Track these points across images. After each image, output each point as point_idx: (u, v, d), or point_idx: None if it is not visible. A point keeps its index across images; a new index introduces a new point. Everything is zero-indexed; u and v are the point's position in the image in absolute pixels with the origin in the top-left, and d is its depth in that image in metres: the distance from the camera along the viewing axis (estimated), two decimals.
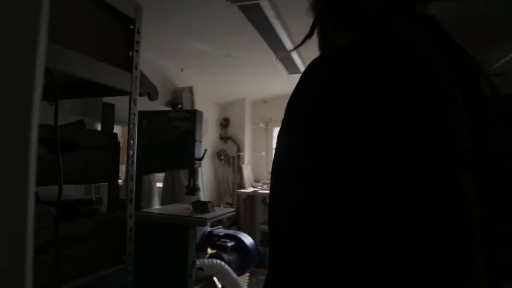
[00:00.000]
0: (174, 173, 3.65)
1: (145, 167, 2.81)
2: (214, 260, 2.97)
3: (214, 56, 4.02)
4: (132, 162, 1.46)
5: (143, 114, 2.81)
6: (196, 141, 2.64)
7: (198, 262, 2.76)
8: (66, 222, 1.08)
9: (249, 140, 6.12)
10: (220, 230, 3.69)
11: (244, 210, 5.53)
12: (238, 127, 5.96)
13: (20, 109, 0.65)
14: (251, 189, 5.57)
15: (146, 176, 3.51)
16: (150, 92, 2.96)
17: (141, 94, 2.85)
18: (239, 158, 5.82)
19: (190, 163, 2.61)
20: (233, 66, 4.39)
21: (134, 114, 1.47)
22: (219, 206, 5.32)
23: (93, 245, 1.19)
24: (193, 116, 2.64)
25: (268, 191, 5.21)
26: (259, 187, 5.73)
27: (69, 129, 1.38)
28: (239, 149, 5.83)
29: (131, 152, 1.46)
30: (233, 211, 2.96)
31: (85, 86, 1.29)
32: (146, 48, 3.86)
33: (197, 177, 2.69)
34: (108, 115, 1.58)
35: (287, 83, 5.35)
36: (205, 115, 4.86)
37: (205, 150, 2.73)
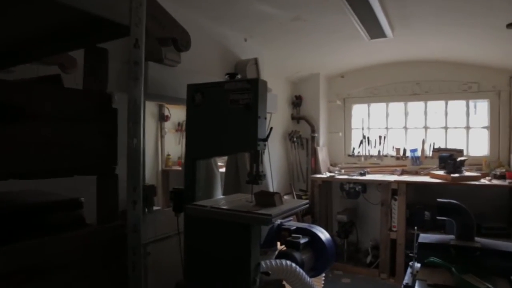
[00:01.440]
0: (237, 157, 3.19)
1: (199, 150, 2.37)
2: (284, 261, 2.45)
3: (281, 21, 3.45)
4: (136, 145, 0.96)
5: (195, 88, 2.35)
6: (259, 117, 2.12)
7: (263, 265, 2.27)
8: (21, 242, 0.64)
9: (324, 120, 5.49)
10: (292, 223, 3.17)
11: (319, 198, 4.96)
12: (312, 105, 5.36)
13: None
14: (327, 174, 4.98)
15: (206, 161, 3.10)
16: (177, 38, 2.41)
17: (162, 41, 2.34)
18: (313, 139, 5.23)
19: (251, 144, 2.10)
20: (304, 33, 3.78)
21: (137, 64, 0.97)
22: (291, 193, 4.81)
23: (71, 279, 0.74)
24: (254, 87, 2.12)
25: (346, 176, 4.57)
26: (336, 172, 5.11)
27: (13, 85, 0.87)
28: (313, 129, 5.24)
29: (133, 126, 0.96)
30: (306, 204, 2.42)
31: (64, 30, 0.82)
32: (202, 14, 3.45)
33: (262, 162, 2.18)
34: (97, 66, 1.07)
35: (368, 52, 4.61)
36: (275, 92, 4.36)
37: (271, 129, 2.20)
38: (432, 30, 3.74)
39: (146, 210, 2.72)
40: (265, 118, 2.21)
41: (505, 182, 4.11)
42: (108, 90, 1.02)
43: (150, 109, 4.66)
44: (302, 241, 2.90)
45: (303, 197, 4.88)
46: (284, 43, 4.06)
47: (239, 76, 2.38)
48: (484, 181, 4.22)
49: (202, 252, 2.20)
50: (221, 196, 2.93)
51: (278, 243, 3.10)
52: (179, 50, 2.41)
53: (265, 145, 2.18)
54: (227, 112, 2.22)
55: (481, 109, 4.99)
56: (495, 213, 4.56)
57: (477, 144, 4.94)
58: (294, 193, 4.75)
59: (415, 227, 2.87)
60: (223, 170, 3.47)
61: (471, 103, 4.99)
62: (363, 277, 4.64)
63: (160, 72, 2.43)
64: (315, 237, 3.02)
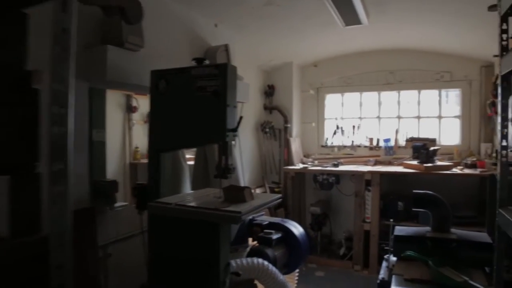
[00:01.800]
0: (206, 149, 3.02)
1: (163, 142, 2.19)
2: (255, 260, 2.32)
3: (254, 6, 3.29)
4: (63, 135, 0.78)
5: (159, 74, 2.17)
6: (229, 106, 1.96)
7: (233, 264, 2.13)
8: None
9: (297, 110, 5.37)
10: (264, 218, 3.03)
11: (293, 190, 4.86)
12: (285, 95, 5.23)
13: None
14: (300, 166, 4.88)
15: (173, 153, 2.92)
16: (124, 7, 2.15)
17: (106, 10, 2.11)
18: (286, 130, 5.11)
19: (220, 135, 1.95)
20: (277, 19, 3.63)
21: (66, 32, 0.78)
22: (263, 186, 4.68)
23: None
24: (223, 72, 1.95)
25: (319, 167, 4.47)
26: (309, 163, 5.02)
27: None
28: (286, 120, 5.11)
29: (58, 112, 0.78)
30: (278, 198, 2.29)
31: None
32: None
33: (231, 154, 2.02)
34: (13, 36, 0.88)
35: (342, 40, 4.51)
36: (246, 81, 4.20)
37: (240, 118, 2.05)
38: (406, 17, 3.66)
39: (108, 208, 2.52)
40: (235, 107, 2.05)
41: (476, 171, 4.12)
42: (37, 69, 0.84)
43: (116, 99, 4.42)
44: (275, 236, 2.77)
45: (276, 189, 4.77)
46: (257, 29, 3.89)
47: (207, 62, 2.20)
48: (456, 170, 4.22)
49: (168, 252, 2.04)
50: (189, 191, 2.76)
51: (250, 239, 2.98)
52: (128, 22, 2.19)
53: (234, 135, 2.03)
54: (194, 100, 2.05)
55: (452, 99, 4.99)
56: (467, 202, 4.58)
57: (449, 133, 4.95)
58: (267, 185, 4.63)
59: (391, 220, 2.80)
60: (192, 163, 3.29)
61: (443, 92, 4.98)
62: (337, 270, 4.59)
63: (120, 57, 2.22)
64: (288, 232, 2.91)
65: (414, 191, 2.58)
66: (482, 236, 2.47)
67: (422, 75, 4.94)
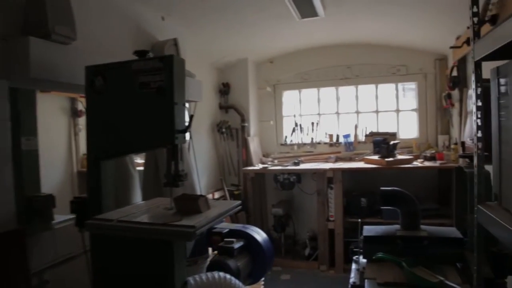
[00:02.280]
0: (157, 153, 2.74)
1: (103, 148, 1.90)
2: (216, 274, 2.08)
3: None
4: None
5: (95, 70, 1.88)
6: (176, 104, 1.71)
7: (192, 281, 1.88)
8: None
9: (254, 108, 5.17)
10: (224, 225, 2.79)
11: (253, 191, 4.65)
12: (241, 93, 5.01)
13: None
14: (259, 166, 4.68)
15: (120, 159, 2.61)
16: None
17: None
18: (243, 129, 4.90)
19: (167, 137, 1.69)
20: (229, 11, 3.40)
21: None
22: (222, 189, 4.44)
23: None
24: (168, 65, 1.70)
25: (280, 167, 4.29)
26: (269, 163, 4.83)
27: None
28: (243, 119, 4.90)
29: None
30: (237, 206, 2.07)
31: None
32: None
33: (182, 159, 1.77)
34: None
35: (298, 34, 4.35)
36: (200, 79, 3.96)
37: (191, 117, 1.80)
38: (363, 8, 3.55)
39: (44, 227, 2.19)
40: (184, 105, 1.80)
41: (436, 164, 4.10)
42: None
43: (58, 102, 4.02)
44: (237, 245, 2.54)
45: (235, 192, 4.54)
46: (207, 22, 3.64)
47: (151, 55, 1.94)
48: (417, 163, 4.18)
49: (115, 273, 1.75)
50: (137, 203, 2.47)
51: (210, 249, 2.74)
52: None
53: (185, 137, 1.78)
54: (136, 99, 1.79)
55: (409, 92, 4.99)
56: (427, 195, 4.58)
57: (407, 127, 4.93)
58: (226, 188, 4.39)
59: (359, 220, 2.66)
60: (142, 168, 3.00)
61: (400, 86, 4.96)
62: (303, 271, 4.43)
63: (47, 50, 1.91)
64: (250, 240, 2.68)
65: (381, 188, 2.44)
66: (452, 231, 2.37)
67: (379, 69, 4.89)
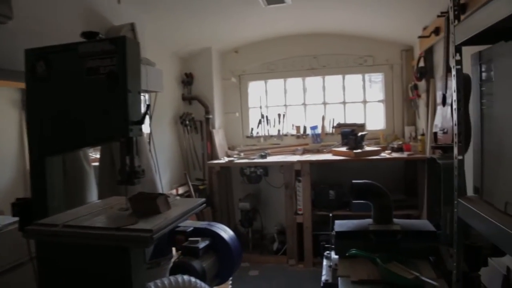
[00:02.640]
0: (113, 147, 2.51)
1: (48, 143, 1.67)
2: (180, 278, 1.91)
3: None
4: None
5: (36, 54, 1.64)
6: (130, 91, 1.52)
7: (153, 287, 1.70)
8: None
9: (219, 100, 4.98)
10: (188, 223, 2.62)
11: (219, 186, 4.48)
12: (205, 84, 4.81)
13: None
14: (225, 159, 4.51)
15: (73, 154, 2.37)
16: None
17: None
18: (208, 122, 4.70)
19: (119, 130, 1.49)
20: None
21: None
22: (186, 184, 4.24)
23: None
24: (121, 48, 1.50)
25: (247, 160, 4.15)
26: (234, 156, 4.67)
27: None
28: (208, 111, 4.70)
29: None
30: (201, 204, 1.90)
31: None
32: None
33: (137, 154, 1.58)
34: None
35: (264, 22, 4.19)
36: (161, 68, 3.73)
37: (148, 107, 1.61)
38: None
39: None
40: (140, 94, 1.61)
41: (404, 155, 4.08)
42: None
43: (7, 95, 3.67)
44: (202, 245, 2.37)
45: (200, 187, 4.35)
46: (169, 8, 3.41)
47: (102, 37, 1.71)
48: (385, 155, 4.15)
49: (64, 283, 1.54)
50: (92, 202, 2.25)
51: (174, 249, 2.56)
52: None
53: (141, 129, 1.58)
54: (84, 86, 1.57)
55: (376, 83, 4.95)
56: (394, 185, 4.57)
57: (374, 118, 4.90)
58: (190, 183, 4.20)
59: (330, 214, 2.55)
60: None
61: (367, 77, 4.92)
62: (271, 266, 4.32)
63: None
64: (217, 238, 2.53)
65: (353, 181, 2.34)
66: (425, 224, 2.30)
67: (346, 60, 4.82)
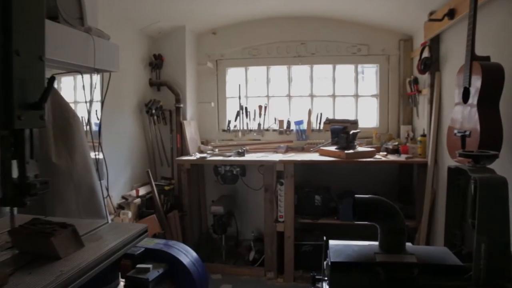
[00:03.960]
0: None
1: None
2: None
3: None
4: None
5: None
6: (19, 53, 0.91)
7: None
8: None
9: (192, 87, 4.36)
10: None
11: (188, 186, 3.88)
12: (177, 68, 4.17)
13: None
14: (196, 156, 3.90)
15: None
16: None
17: None
18: (178, 112, 4.09)
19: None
20: None
21: None
22: (149, 183, 3.63)
23: None
24: None
25: (221, 157, 3.57)
26: (208, 152, 4.08)
27: None
28: (178, 99, 4.08)
29: None
30: (139, 235, 1.31)
31: None
32: None
33: (34, 155, 0.98)
34: None
35: (246, 0, 3.62)
36: (125, 48, 3.12)
37: (51, 80, 1.00)
38: None
39: None
40: (43, 61, 1.00)
41: (401, 158, 3.57)
42: None
43: None
44: (153, 275, 1.80)
45: (166, 187, 3.73)
46: None
47: None
48: (379, 157, 3.63)
49: None
50: None
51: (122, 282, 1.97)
52: None
53: (42, 118, 0.98)
54: None
55: (369, 75, 4.43)
56: (387, 191, 4.08)
57: (366, 114, 4.38)
58: (153, 183, 3.57)
59: (324, 238, 2.00)
60: None
61: (360, 68, 4.39)
62: (247, 279, 3.76)
63: None
64: (175, 263, 1.96)
65: (356, 196, 1.79)
66: (445, 253, 1.78)
67: (338, 48, 4.28)
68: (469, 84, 2.14)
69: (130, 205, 3.23)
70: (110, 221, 1.95)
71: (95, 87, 2.47)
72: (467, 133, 2.12)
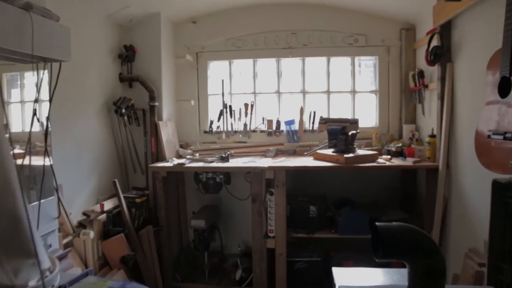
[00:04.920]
0: None
1: None
2: None
3: None
4: None
5: None
6: None
7: None
8: None
9: (169, 83, 3.84)
10: (71, 273, 1.53)
11: (165, 196, 3.37)
12: (151, 61, 3.66)
13: None
14: (174, 162, 3.39)
15: None
16: None
17: None
18: (153, 111, 3.57)
19: None
20: None
21: None
22: (116, 196, 3.11)
23: None
24: None
25: (202, 164, 3.06)
26: (187, 157, 3.58)
27: None
28: (153, 96, 3.56)
29: None
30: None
31: None
32: None
33: None
34: None
35: None
36: (89, 37, 2.61)
37: None
38: None
39: None
40: None
41: (408, 162, 3.13)
42: None
43: None
44: None
45: (137, 200, 3.21)
46: None
47: None
48: (383, 161, 3.18)
49: None
50: None
51: None
52: None
53: None
54: None
55: (367, 69, 3.99)
56: (388, 198, 3.67)
57: (364, 112, 3.94)
58: (121, 195, 3.03)
59: (334, 270, 1.52)
60: None
61: (357, 61, 3.95)
62: None
63: None
64: None
65: (377, 224, 1.31)
66: None
67: (332, 38, 3.83)
68: (510, 73, 1.70)
69: (93, 222, 2.72)
70: (47, 263, 1.45)
71: (41, 81, 1.96)
72: (509, 135, 1.67)
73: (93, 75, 3.12)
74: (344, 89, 3.92)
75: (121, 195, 2.94)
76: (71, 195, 2.70)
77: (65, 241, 2.47)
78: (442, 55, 2.88)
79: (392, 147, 3.44)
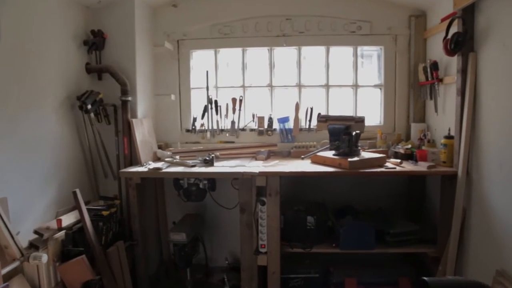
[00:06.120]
0: None
1: None
2: None
3: None
4: None
5: None
6: None
7: None
8: None
9: (145, 74, 3.36)
10: None
11: (139, 205, 2.90)
12: (124, 50, 3.16)
13: None
14: (150, 165, 2.92)
15: None
16: None
17: None
18: (125, 107, 3.08)
19: None
20: None
21: None
22: (78, 208, 2.61)
23: None
24: None
25: (183, 168, 2.58)
26: (167, 160, 3.11)
27: None
28: (125, 90, 3.06)
29: None
30: None
31: None
32: None
33: None
34: None
35: None
36: (45, 19, 2.08)
37: None
38: None
39: None
40: None
41: (421, 167, 2.70)
42: None
43: None
44: None
45: (104, 212, 2.71)
46: None
47: None
48: (392, 165, 2.76)
49: None
50: None
51: None
52: None
53: None
54: None
55: (371, 60, 3.57)
56: (394, 206, 3.27)
57: (367, 109, 3.52)
58: (83, 208, 2.51)
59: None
60: None
61: (360, 51, 3.52)
62: None
63: None
64: None
65: (427, 279, 0.87)
66: None
67: (332, 25, 3.40)
68: None
69: (48, 242, 2.24)
70: None
71: None
72: None
73: (51, 64, 2.62)
74: (345, 82, 3.50)
75: (83, 208, 2.45)
76: (18, 209, 2.21)
77: (8, 268, 1.99)
78: (464, 43, 2.46)
79: (400, 148, 3.02)
